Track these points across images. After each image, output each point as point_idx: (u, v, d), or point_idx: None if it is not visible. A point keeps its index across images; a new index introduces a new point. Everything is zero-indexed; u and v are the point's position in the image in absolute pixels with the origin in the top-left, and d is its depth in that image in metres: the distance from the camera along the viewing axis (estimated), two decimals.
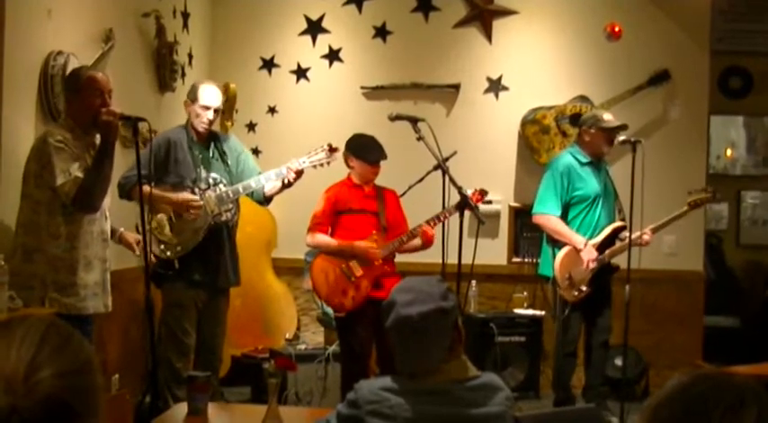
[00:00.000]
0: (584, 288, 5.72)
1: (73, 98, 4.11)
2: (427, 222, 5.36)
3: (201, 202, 4.97)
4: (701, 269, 7.32)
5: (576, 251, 5.72)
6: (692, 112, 7.27)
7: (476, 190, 5.43)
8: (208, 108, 5.05)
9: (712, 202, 6.55)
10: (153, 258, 4.80)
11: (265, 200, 5.33)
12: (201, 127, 5.09)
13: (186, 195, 4.96)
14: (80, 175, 3.92)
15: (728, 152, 8.97)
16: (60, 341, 1.22)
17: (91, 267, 4.10)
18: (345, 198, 5.49)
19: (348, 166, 5.54)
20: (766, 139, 8.96)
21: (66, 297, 3.99)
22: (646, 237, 5.71)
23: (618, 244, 5.73)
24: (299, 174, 5.06)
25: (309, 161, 5.13)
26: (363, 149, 5.48)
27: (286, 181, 5.08)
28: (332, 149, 5.17)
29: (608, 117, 5.85)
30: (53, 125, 4.14)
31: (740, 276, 8.80)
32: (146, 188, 4.29)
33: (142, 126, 4.19)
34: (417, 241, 5.46)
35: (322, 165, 5.17)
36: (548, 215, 5.83)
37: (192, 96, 5.10)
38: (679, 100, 7.24)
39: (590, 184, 5.83)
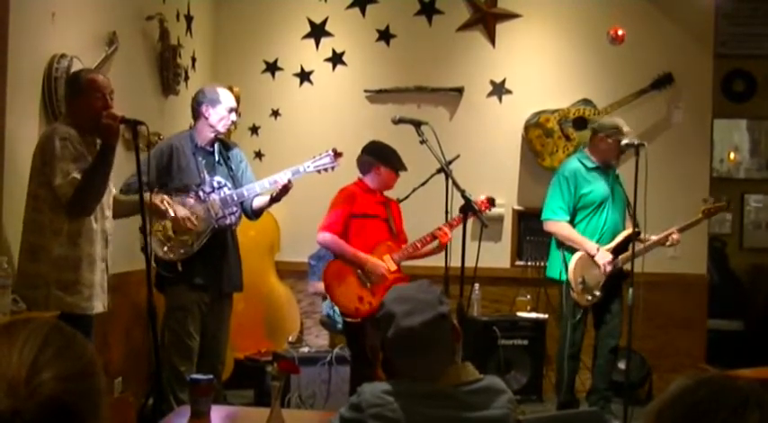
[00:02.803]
0: (597, 293, 5.72)
1: (74, 101, 4.08)
2: (441, 228, 5.38)
3: (195, 226, 4.96)
4: (704, 272, 7.32)
5: (590, 257, 5.73)
6: (695, 116, 7.27)
7: (484, 197, 5.46)
8: (233, 110, 5.11)
9: (725, 211, 6.56)
10: (153, 264, 4.79)
11: (253, 214, 5.32)
12: (226, 128, 5.15)
13: (183, 212, 4.94)
14: (77, 176, 3.92)
15: (732, 156, 8.96)
16: (63, 344, 1.22)
17: (95, 266, 4.10)
18: (361, 201, 5.51)
19: (368, 171, 5.56)
20: None
21: (70, 296, 3.97)
22: (675, 236, 5.77)
23: (639, 247, 5.64)
24: (287, 188, 5.07)
25: (314, 166, 5.13)
26: (392, 158, 5.54)
27: (274, 194, 5.09)
28: (337, 154, 5.16)
29: (628, 130, 5.81)
30: (60, 122, 4.12)
31: (744, 280, 8.79)
32: (148, 195, 4.28)
33: (144, 129, 4.18)
34: (433, 245, 5.48)
35: (326, 170, 5.17)
36: (558, 222, 5.84)
37: (212, 100, 5.08)
38: (682, 103, 7.25)
39: (596, 187, 5.83)
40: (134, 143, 4.13)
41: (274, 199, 5.14)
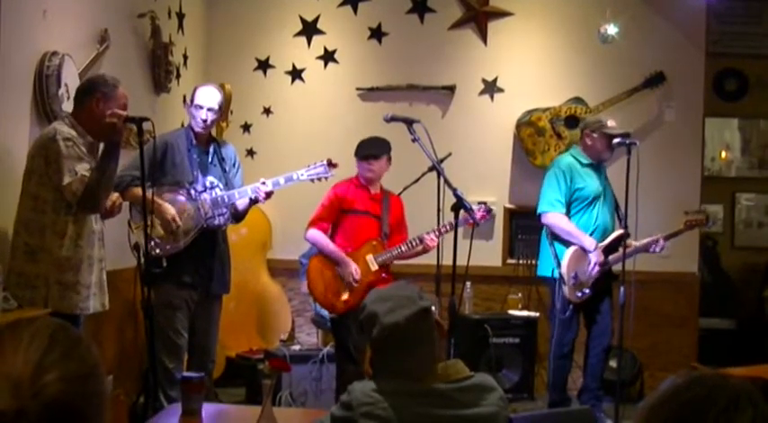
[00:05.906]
0: (586, 290, 5.73)
1: (93, 104, 4.05)
2: (430, 233, 5.37)
3: (179, 226, 4.95)
4: (696, 271, 7.33)
5: (585, 252, 5.73)
6: (687, 114, 7.27)
7: (480, 206, 5.46)
8: (201, 107, 5.06)
9: (705, 227, 6.58)
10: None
11: (234, 217, 5.30)
12: (198, 127, 5.10)
13: (172, 211, 4.93)
14: (86, 174, 3.91)
15: (723, 154, 8.98)
16: (68, 345, 1.22)
17: (93, 268, 4.09)
18: (351, 197, 5.51)
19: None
20: (761, 141, 8.97)
21: (69, 297, 3.97)
22: (662, 241, 5.78)
23: (621, 251, 5.65)
24: (268, 195, 5.09)
25: (307, 174, 5.15)
26: (358, 145, 5.53)
27: (253, 196, 5.08)
28: (331, 164, 5.17)
29: (612, 123, 5.86)
30: (59, 122, 4.09)
31: (735, 278, 8.81)
32: (141, 191, 4.28)
33: (150, 125, 4.16)
34: (417, 249, 5.48)
35: (320, 179, 5.18)
36: (557, 214, 5.81)
37: (190, 98, 5.13)
38: (674, 102, 7.25)
39: (590, 183, 5.83)
40: (139, 140, 4.12)
41: (254, 201, 5.15)
